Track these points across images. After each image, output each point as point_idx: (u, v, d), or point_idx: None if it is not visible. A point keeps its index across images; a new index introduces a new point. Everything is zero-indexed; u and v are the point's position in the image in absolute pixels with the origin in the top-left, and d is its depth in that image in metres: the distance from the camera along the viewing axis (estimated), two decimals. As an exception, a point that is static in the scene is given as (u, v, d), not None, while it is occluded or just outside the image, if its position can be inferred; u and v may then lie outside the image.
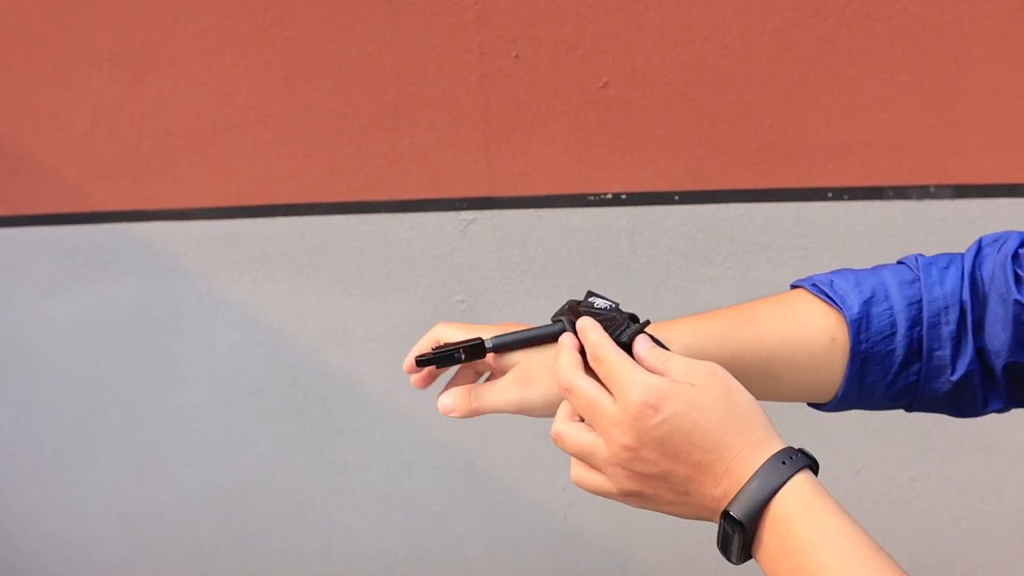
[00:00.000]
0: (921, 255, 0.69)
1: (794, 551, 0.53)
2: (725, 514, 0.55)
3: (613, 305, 0.65)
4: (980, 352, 0.65)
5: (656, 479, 0.57)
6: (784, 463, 0.55)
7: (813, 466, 0.57)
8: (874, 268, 0.69)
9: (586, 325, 0.62)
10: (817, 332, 0.65)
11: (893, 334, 0.65)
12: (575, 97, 1.37)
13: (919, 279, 0.66)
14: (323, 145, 1.45)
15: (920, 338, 0.65)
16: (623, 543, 1.58)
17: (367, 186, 1.46)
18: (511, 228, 1.44)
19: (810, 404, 0.70)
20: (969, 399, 0.67)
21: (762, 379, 0.65)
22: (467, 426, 1.56)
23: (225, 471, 1.64)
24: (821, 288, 0.67)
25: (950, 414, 0.69)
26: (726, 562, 0.58)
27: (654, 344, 0.61)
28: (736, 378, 0.60)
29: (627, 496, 0.58)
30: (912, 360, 0.65)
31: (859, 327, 0.64)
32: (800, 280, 0.70)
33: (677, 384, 0.56)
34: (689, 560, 1.57)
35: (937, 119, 1.31)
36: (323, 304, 1.53)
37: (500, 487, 1.57)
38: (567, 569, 1.60)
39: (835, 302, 0.65)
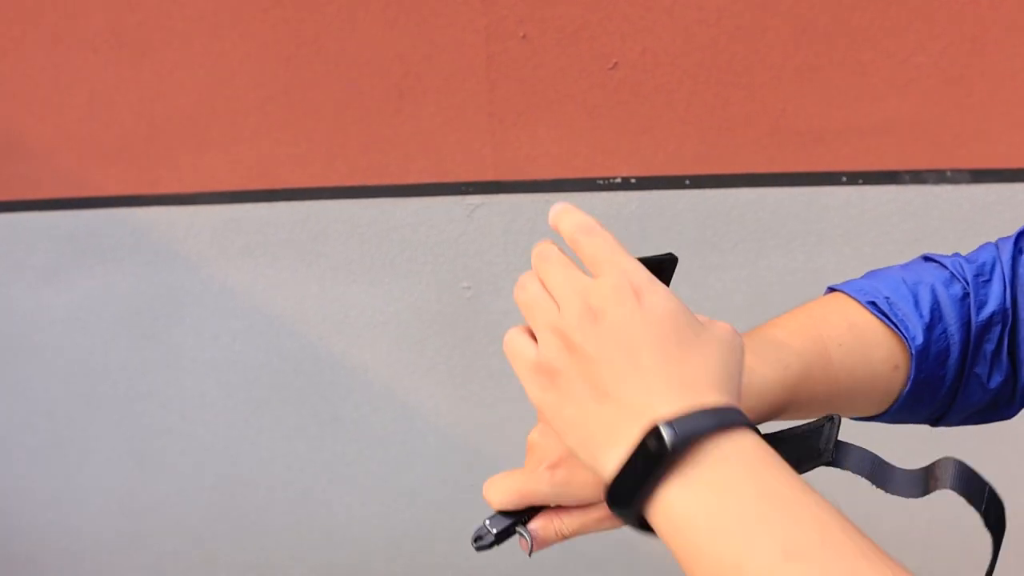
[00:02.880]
0: (960, 256, 0.65)
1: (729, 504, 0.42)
2: (654, 430, 0.43)
3: None
4: (1013, 358, 0.63)
5: (587, 361, 0.47)
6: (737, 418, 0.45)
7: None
8: (919, 273, 0.65)
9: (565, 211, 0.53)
10: (882, 361, 0.62)
11: (947, 359, 0.62)
12: (583, 79, 1.34)
13: (969, 294, 0.63)
14: (326, 129, 1.42)
15: (966, 358, 0.63)
16: (630, 531, 1.57)
17: (371, 170, 1.43)
18: (518, 213, 1.42)
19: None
20: (993, 409, 0.65)
21: (825, 408, 0.62)
22: (470, 414, 1.54)
23: (226, 460, 1.63)
24: (881, 309, 0.63)
25: (974, 424, 0.67)
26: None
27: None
28: (801, 410, 0.57)
29: (540, 373, 0.49)
30: (956, 381, 0.63)
31: (921, 357, 0.62)
32: (841, 286, 0.65)
33: (675, 300, 0.48)
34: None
35: (954, 102, 1.29)
36: (325, 291, 1.51)
37: (505, 477, 1.55)
38: (573, 558, 1.58)
39: (899, 329, 0.62)
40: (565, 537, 0.55)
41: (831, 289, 0.66)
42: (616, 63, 1.33)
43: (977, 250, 0.66)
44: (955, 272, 0.64)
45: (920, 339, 0.61)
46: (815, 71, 1.30)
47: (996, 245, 0.66)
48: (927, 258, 0.67)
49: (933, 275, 0.64)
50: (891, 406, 0.63)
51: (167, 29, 1.42)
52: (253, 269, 1.52)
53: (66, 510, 1.70)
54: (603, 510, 0.54)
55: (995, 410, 0.66)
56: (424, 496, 1.60)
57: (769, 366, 0.58)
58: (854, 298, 0.63)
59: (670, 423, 0.43)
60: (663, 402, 0.45)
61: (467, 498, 1.58)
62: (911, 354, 0.61)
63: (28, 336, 1.61)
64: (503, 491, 0.54)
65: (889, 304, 0.63)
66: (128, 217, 1.52)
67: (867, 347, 0.62)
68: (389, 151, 1.42)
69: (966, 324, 0.62)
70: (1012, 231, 0.66)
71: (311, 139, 1.44)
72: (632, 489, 0.45)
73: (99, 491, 1.68)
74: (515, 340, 0.51)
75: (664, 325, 0.47)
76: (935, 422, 0.67)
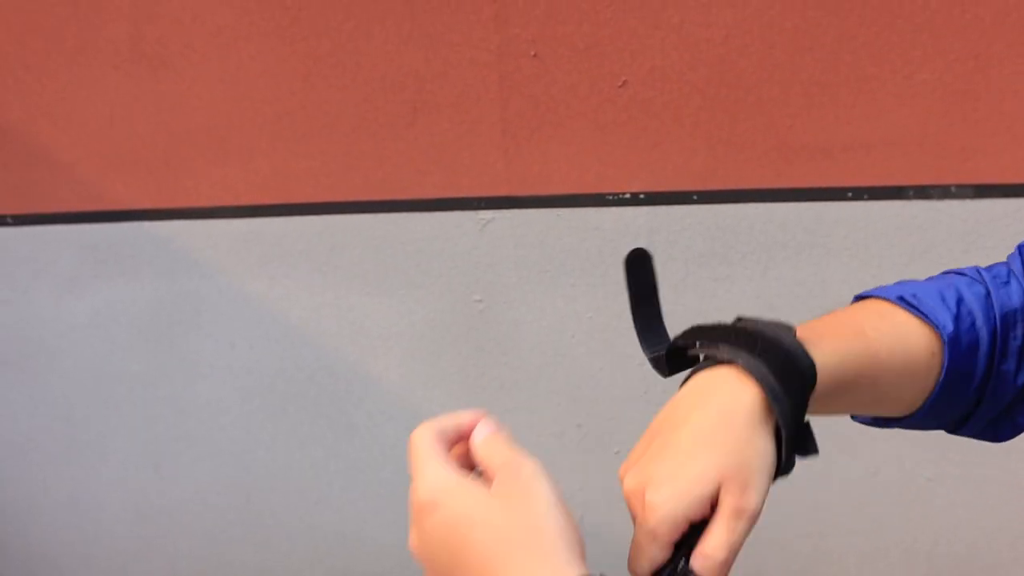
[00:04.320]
0: (979, 268, 0.69)
1: None
2: None
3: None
4: None
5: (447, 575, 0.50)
6: None
7: None
8: (942, 279, 0.68)
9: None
10: (919, 347, 0.63)
11: (977, 351, 0.64)
12: (593, 96, 1.36)
13: (990, 292, 0.66)
14: (341, 143, 1.44)
15: (994, 354, 0.64)
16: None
17: (385, 184, 1.45)
18: (529, 227, 1.44)
19: (874, 420, 0.68)
20: (1009, 412, 0.67)
21: (871, 394, 0.63)
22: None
23: (241, 467, 1.64)
24: (909, 302, 0.65)
25: (990, 439, 0.68)
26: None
27: (494, 433, 0.54)
28: (849, 395, 0.58)
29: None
30: (987, 376, 0.65)
31: (954, 345, 0.63)
32: (869, 292, 0.67)
33: (466, 485, 0.50)
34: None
35: (958, 117, 1.30)
36: (340, 302, 1.53)
37: (515, 484, 1.57)
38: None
39: (929, 318, 0.64)
40: None
41: (858, 298, 0.68)
42: (626, 80, 1.35)
43: (993, 264, 0.69)
44: (975, 277, 0.67)
45: (951, 327, 0.63)
46: (821, 87, 1.32)
47: (1009, 259, 0.69)
48: (948, 272, 0.70)
49: (956, 279, 0.67)
50: (927, 399, 0.64)
51: (186, 45, 1.44)
52: (269, 280, 1.54)
53: (83, 513, 1.72)
54: None
55: (1010, 414, 0.67)
56: (436, 503, 1.62)
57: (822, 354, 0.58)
58: (883, 298, 0.65)
59: None
60: None
61: (478, 505, 1.60)
62: (944, 342, 0.63)
63: (49, 342, 1.64)
64: None
65: (917, 299, 0.64)
66: (147, 229, 1.54)
67: (904, 336, 0.63)
68: (403, 166, 1.44)
69: (991, 320, 0.65)
70: (1015, 245, 0.69)
71: (327, 153, 1.46)
72: None
73: (116, 494, 1.70)
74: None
75: (460, 533, 0.49)
76: (956, 426, 0.68)
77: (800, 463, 0.60)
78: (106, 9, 1.45)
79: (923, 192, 1.34)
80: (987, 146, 1.31)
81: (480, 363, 1.52)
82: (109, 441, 1.67)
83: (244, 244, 1.52)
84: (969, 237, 1.34)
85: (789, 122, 1.34)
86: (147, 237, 1.55)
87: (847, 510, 1.50)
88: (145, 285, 1.57)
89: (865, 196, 1.35)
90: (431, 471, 0.51)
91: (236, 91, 1.45)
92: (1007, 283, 0.66)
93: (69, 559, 1.75)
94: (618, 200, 1.40)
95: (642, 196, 1.40)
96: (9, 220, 1.58)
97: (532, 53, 1.35)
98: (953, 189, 1.33)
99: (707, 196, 1.38)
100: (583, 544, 0.48)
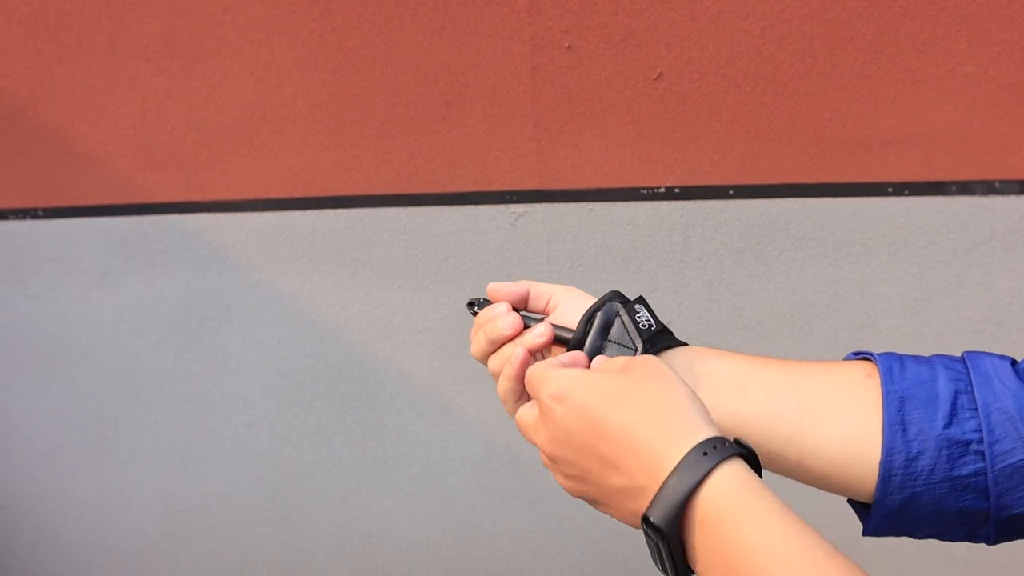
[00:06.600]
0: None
1: (734, 562, 0.45)
2: (645, 519, 0.48)
3: (648, 326, 0.63)
4: None
5: (579, 480, 0.53)
6: (706, 453, 0.47)
7: (748, 456, 0.49)
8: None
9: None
10: (853, 372, 0.61)
11: (932, 381, 0.58)
12: (628, 89, 1.35)
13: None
14: (372, 136, 1.44)
15: (969, 392, 0.57)
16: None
17: (416, 178, 1.44)
18: (562, 222, 1.42)
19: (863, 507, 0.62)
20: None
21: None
22: (511, 421, 1.54)
23: (268, 463, 1.64)
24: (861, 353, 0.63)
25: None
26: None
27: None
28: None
29: (577, 495, 0.56)
30: (964, 409, 0.57)
31: (890, 366, 0.59)
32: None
33: (587, 374, 0.53)
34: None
35: (1004, 111, 1.27)
36: (370, 297, 1.52)
37: (545, 482, 1.55)
38: (614, 567, 1.58)
39: (870, 356, 0.62)
40: None
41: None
42: (661, 73, 1.34)
43: None
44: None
45: (889, 355, 0.62)
46: (861, 80, 1.29)
47: None
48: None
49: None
50: (882, 433, 0.58)
51: (217, 38, 1.44)
52: (299, 275, 1.54)
53: (111, 509, 1.72)
54: None
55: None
56: (464, 501, 1.60)
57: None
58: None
59: (649, 519, 0.49)
60: (638, 490, 0.50)
61: (507, 503, 1.59)
62: (877, 363, 0.61)
63: (78, 338, 1.64)
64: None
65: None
66: (177, 223, 1.55)
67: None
68: (434, 159, 1.43)
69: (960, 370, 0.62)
70: None
71: (358, 147, 1.45)
72: (664, 567, 0.50)
73: (143, 491, 1.70)
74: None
75: (588, 416, 0.54)
76: (987, 515, 0.59)
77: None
78: (138, 4, 1.46)
79: (966, 188, 1.31)
80: (1033, 141, 1.28)
81: (511, 359, 1.50)
82: (137, 437, 1.67)
83: (274, 238, 1.52)
84: (1013, 235, 1.31)
85: (828, 116, 1.31)
86: (176, 231, 1.55)
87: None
88: (175, 280, 1.57)
89: (906, 192, 1.33)
90: (551, 378, 0.55)
91: (267, 85, 1.45)
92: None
93: (96, 555, 1.76)
94: (652, 194, 1.39)
95: (677, 191, 1.38)
96: (40, 213, 1.58)
97: (566, 45, 1.34)
98: (997, 185, 1.30)
99: (743, 191, 1.36)
100: (711, 415, 0.51)
